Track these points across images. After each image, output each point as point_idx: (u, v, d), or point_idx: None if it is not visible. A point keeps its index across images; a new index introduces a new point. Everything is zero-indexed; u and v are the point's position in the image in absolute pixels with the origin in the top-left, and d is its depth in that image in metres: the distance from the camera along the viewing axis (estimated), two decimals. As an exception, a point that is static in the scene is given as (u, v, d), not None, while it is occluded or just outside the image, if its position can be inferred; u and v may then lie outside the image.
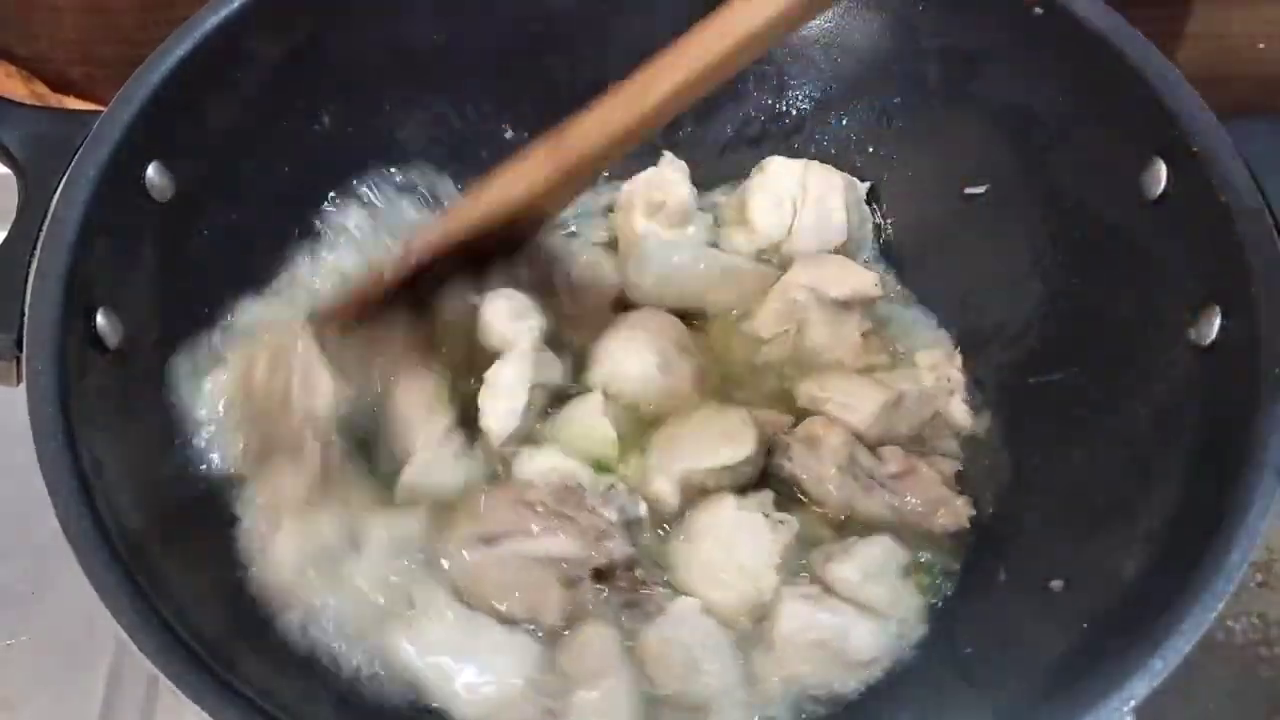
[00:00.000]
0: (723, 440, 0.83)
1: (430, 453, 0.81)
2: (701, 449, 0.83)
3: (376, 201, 0.95)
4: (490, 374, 0.82)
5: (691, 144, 1.02)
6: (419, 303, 0.87)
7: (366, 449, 0.84)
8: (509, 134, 1.01)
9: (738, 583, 0.79)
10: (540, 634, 0.77)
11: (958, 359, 0.92)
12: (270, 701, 0.63)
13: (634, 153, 0.85)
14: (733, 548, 0.79)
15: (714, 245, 0.97)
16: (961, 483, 0.87)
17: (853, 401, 0.87)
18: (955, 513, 0.84)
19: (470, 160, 0.99)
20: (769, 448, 0.86)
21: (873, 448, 0.86)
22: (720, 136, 1.03)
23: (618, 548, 0.78)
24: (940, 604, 0.82)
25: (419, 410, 0.83)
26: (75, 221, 0.72)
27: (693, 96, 0.75)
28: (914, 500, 0.84)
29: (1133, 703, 0.61)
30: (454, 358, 0.87)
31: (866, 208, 0.99)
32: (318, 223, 0.92)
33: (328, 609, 0.74)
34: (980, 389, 0.91)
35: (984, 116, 0.93)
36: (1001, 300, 0.93)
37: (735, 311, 0.94)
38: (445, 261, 0.84)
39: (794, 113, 1.03)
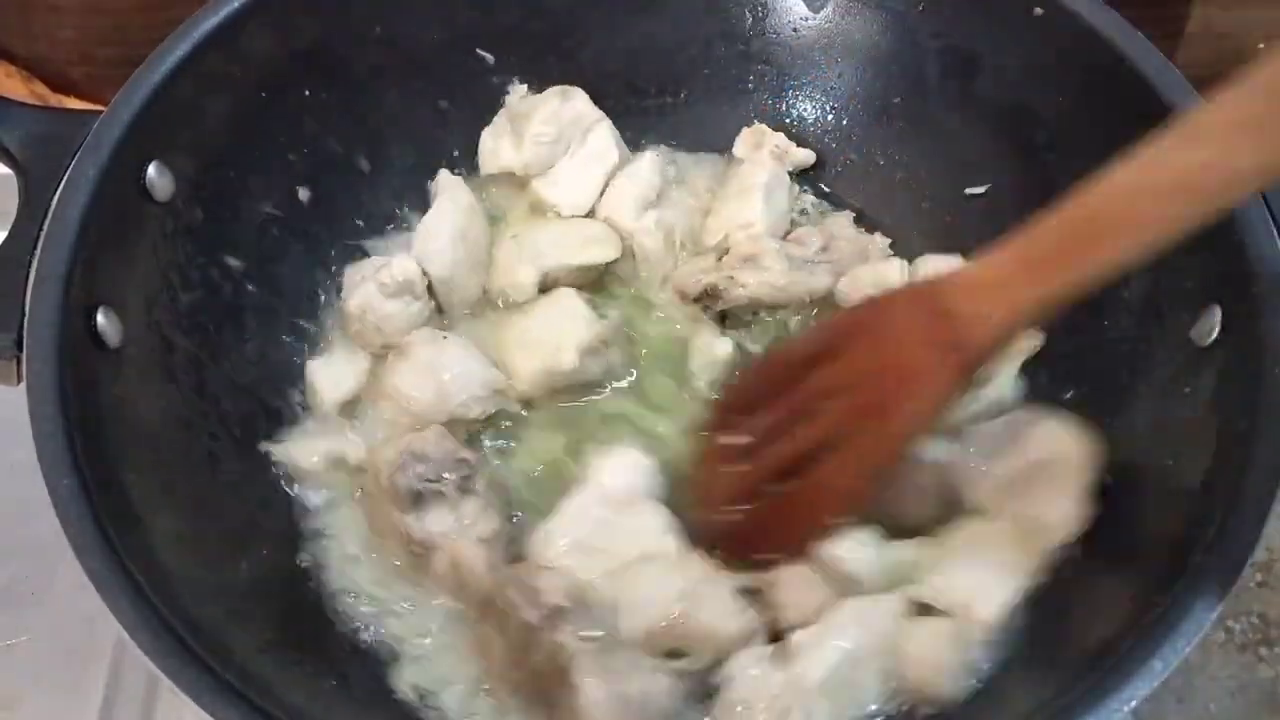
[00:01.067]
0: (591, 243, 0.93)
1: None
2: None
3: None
4: None
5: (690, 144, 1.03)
6: None
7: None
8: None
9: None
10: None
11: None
12: (271, 701, 0.63)
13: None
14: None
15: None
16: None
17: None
18: (870, 243, 0.96)
19: (469, 163, 0.99)
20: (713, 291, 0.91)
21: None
22: (717, 139, 1.03)
23: None
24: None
25: None
26: (75, 221, 0.72)
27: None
28: (844, 256, 0.93)
29: (1133, 703, 0.61)
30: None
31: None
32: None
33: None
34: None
35: (984, 116, 0.93)
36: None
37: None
38: None
39: (794, 113, 1.03)
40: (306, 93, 0.90)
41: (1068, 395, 0.85)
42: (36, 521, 0.63)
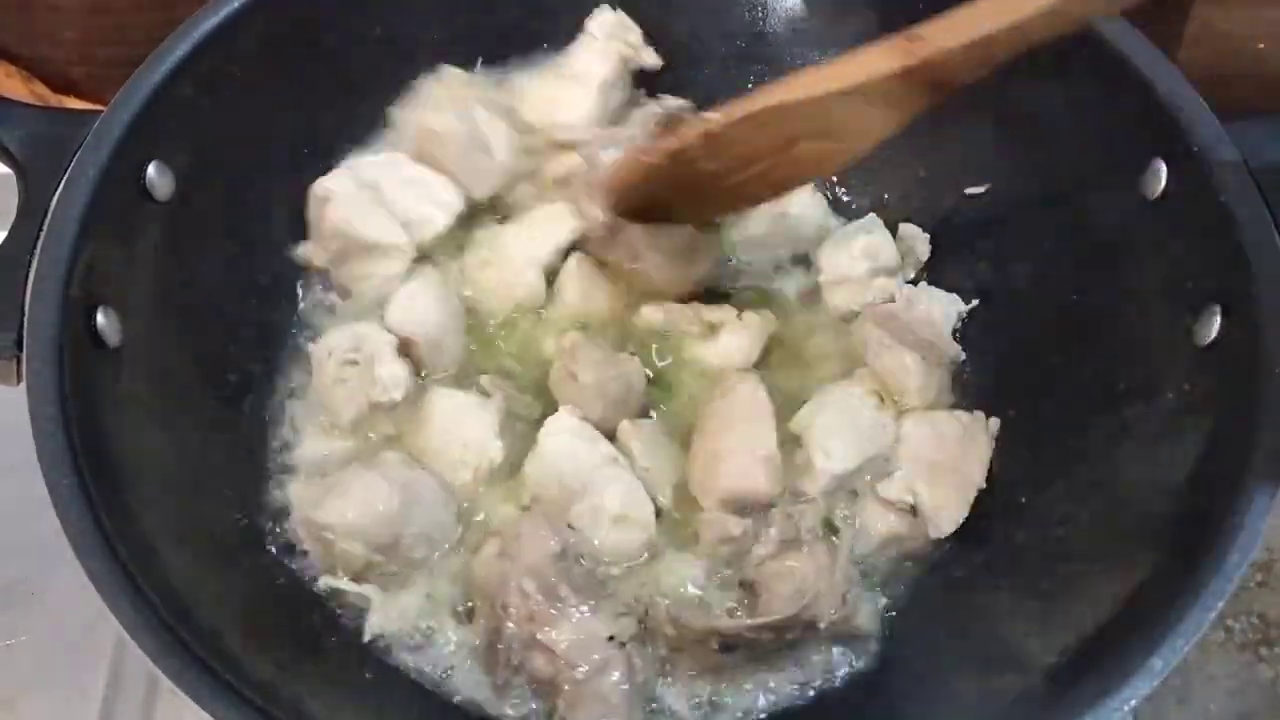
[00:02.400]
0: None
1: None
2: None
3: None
4: None
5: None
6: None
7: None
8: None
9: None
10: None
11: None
12: (271, 701, 0.63)
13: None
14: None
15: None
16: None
17: None
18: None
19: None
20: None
21: None
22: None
23: None
24: (944, 604, 0.83)
25: None
26: (75, 221, 0.72)
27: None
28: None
29: (1133, 703, 0.61)
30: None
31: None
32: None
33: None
34: (982, 389, 0.92)
35: (984, 116, 0.93)
36: (1001, 300, 0.93)
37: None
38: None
39: (794, 113, 1.03)
40: (306, 93, 0.90)
41: (1066, 394, 0.85)
42: (36, 521, 0.63)
